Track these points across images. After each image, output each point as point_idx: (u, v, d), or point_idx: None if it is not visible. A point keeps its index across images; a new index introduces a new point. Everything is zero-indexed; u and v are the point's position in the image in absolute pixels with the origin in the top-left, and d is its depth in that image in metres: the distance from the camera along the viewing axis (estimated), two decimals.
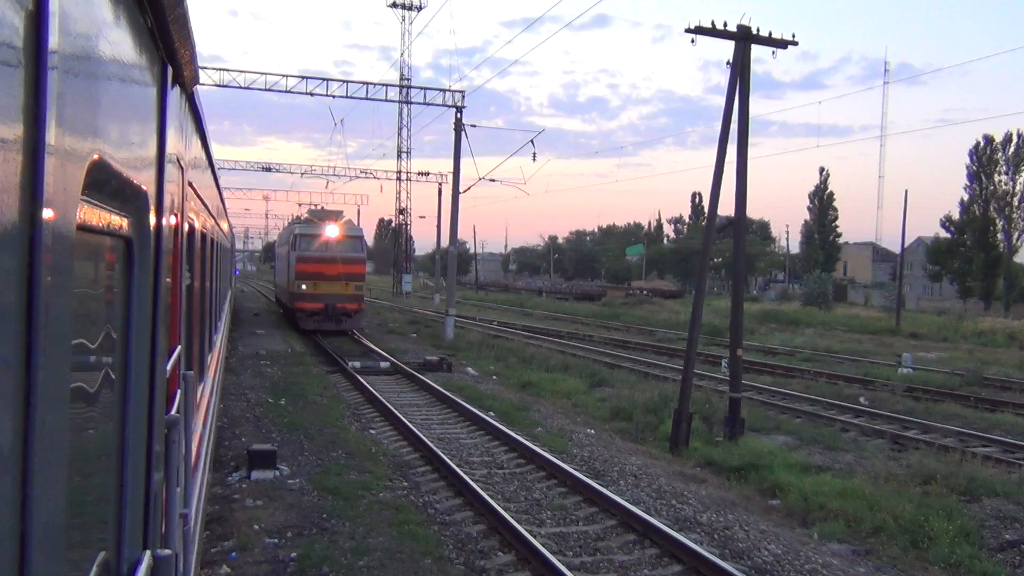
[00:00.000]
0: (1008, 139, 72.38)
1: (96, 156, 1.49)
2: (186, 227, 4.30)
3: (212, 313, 8.84)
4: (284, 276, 36.34)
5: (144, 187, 2.16)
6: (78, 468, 1.55)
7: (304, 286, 31.53)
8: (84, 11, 1.39)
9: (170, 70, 2.82)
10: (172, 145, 3.01)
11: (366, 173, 62.43)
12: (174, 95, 3.10)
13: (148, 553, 2.27)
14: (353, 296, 32.08)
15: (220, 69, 33.87)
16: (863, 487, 11.79)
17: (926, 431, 17.14)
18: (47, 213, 1.16)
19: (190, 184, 4.50)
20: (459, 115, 33.07)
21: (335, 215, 34.45)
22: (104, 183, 1.65)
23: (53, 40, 1.17)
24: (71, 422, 1.38)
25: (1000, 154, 72.51)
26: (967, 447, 15.36)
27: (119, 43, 1.74)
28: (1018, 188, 71.86)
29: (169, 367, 3.19)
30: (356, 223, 42.27)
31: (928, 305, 75.22)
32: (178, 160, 3.56)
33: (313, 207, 41.11)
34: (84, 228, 1.46)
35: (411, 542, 9.19)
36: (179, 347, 3.89)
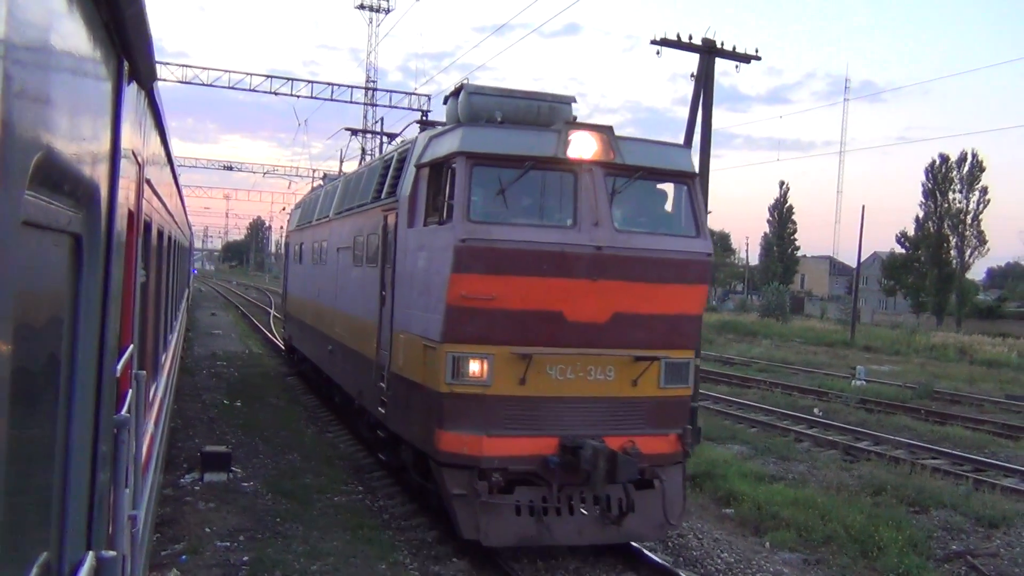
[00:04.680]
0: (963, 158, 74.01)
1: (44, 151, 1.46)
2: (142, 224, 4.24)
3: (168, 312, 8.71)
4: (359, 316, 12.04)
5: (96, 183, 2.13)
6: (17, 467, 1.53)
7: (475, 367, 8.13)
8: (35, 2, 1.37)
9: (126, 65, 2.78)
10: (127, 141, 2.97)
11: (329, 175, 61.92)
12: (130, 91, 3.06)
13: (91, 554, 2.23)
14: (670, 404, 8.91)
15: (183, 65, 33.37)
16: (815, 497, 11.97)
17: (878, 443, 17.43)
18: None
19: (147, 181, 4.44)
20: (424, 118, 33.00)
21: (565, 103, 10.14)
22: (52, 178, 1.63)
23: (0, 30, 1.16)
24: (10, 420, 1.36)
25: (955, 173, 74.06)
26: (917, 459, 15.64)
27: (72, 36, 1.72)
28: (971, 206, 73.48)
29: (120, 366, 3.14)
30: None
31: (882, 319, 76.55)
32: (134, 156, 3.51)
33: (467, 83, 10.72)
34: (30, 224, 1.44)
35: (366, 546, 9.12)
36: (131, 346, 3.83)
